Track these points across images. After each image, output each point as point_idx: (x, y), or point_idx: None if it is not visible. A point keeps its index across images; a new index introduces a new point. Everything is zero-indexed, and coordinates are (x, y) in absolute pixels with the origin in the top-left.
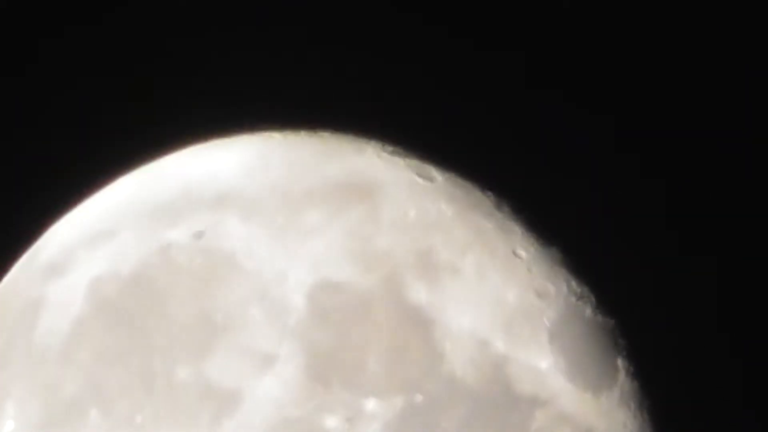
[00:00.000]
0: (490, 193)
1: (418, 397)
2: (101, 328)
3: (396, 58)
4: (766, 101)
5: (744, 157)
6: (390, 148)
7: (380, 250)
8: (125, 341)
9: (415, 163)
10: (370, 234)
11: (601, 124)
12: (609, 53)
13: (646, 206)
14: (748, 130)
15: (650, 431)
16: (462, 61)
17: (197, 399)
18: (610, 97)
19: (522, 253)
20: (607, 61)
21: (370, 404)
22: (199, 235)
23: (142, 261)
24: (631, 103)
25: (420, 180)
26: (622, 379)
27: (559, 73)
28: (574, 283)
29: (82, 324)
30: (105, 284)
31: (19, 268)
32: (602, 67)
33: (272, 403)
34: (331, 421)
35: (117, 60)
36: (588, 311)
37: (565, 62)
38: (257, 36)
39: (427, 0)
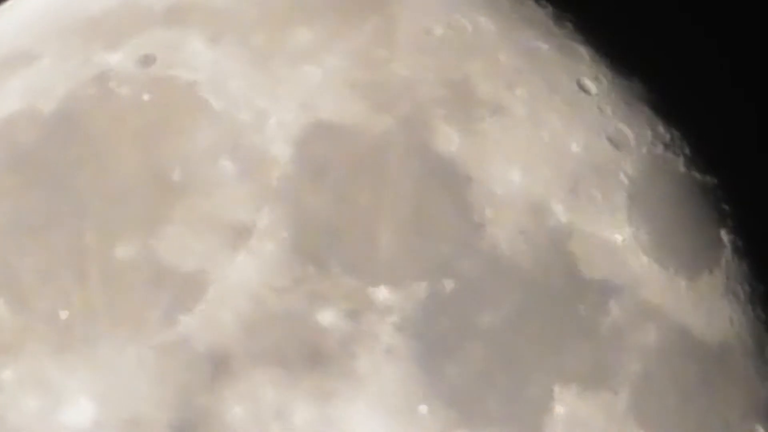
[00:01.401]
0: (547, 3)
1: (448, 284)
2: (12, 189)
3: None
4: None
5: None
6: None
7: (396, 82)
8: (45, 207)
9: None
10: (382, 59)
11: None
12: None
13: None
14: None
15: (765, 327)
16: None
17: (144, 287)
18: None
19: (590, 85)
20: None
21: (382, 293)
22: (147, 60)
23: (70, 96)
24: None
25: None
26: (728, 258)
27: None
28: (661, 127)
29: None
30: (18, 128)
31: None
32: None
33: (246, 292)
34: (327, 316)
35: None
36: (680, 165)
37: None
38: None
39: None
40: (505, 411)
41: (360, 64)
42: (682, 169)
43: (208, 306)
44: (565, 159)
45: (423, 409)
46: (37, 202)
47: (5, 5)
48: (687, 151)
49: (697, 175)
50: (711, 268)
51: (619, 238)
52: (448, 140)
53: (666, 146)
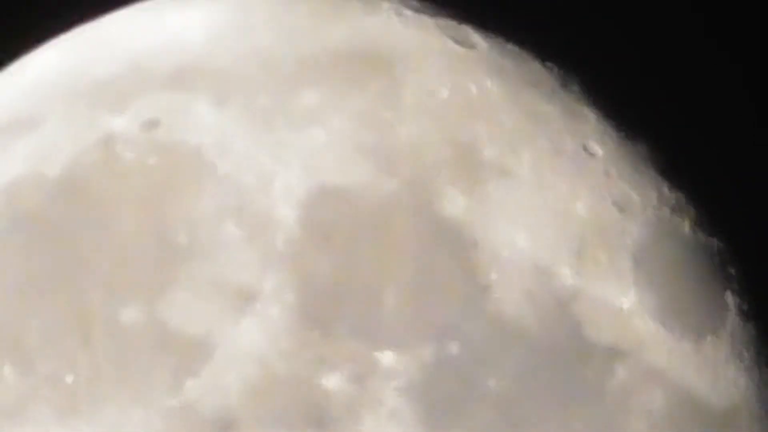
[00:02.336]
0: (553, 65)
1: (454, 347)
2: (18, 252)
3: None
4: None
5: None
6: (415, 4)
7: (401, 144)
8: (51, 270)
9: (449, 23)
10: (389, 122)
11: None
12: None
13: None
14: None
15: None
16: None
17: (150, 351)
18: None
19: (596, 148)
20: None
21: (387, 357)
22: (152, 124)
23: (75, 159)
24: None
25: (456, 47)
26: (733, 321)
27: None
28: (667, 190)
29: None
30: (24, 191)
31: None
32: None
33: (252, 356)
34: (333, 380)
35: None
36: (686, 228)
37: None
38: None
39: None
40: None
41: (365, 126)
42: (687, 231)
43: (214, 370)
44: (571, 222)
45: None
46: (42, 265)
47: (9, 69)
48: (693, 213)
49: (703, 238)
50: (716, 331)
51: (624, 301)
52: (454, 203)
53: (672, 209)
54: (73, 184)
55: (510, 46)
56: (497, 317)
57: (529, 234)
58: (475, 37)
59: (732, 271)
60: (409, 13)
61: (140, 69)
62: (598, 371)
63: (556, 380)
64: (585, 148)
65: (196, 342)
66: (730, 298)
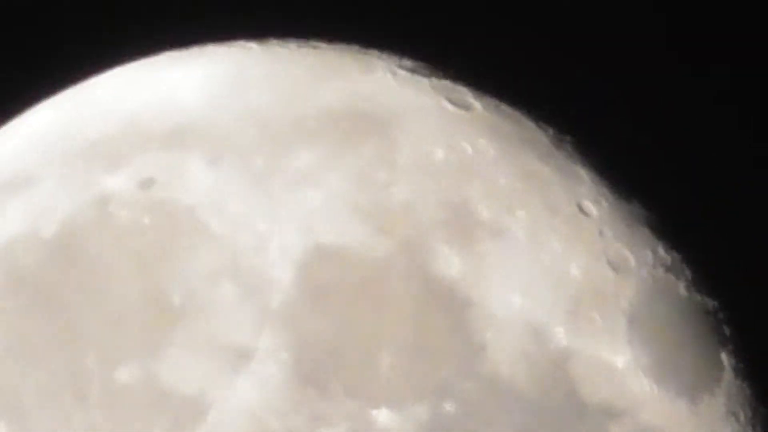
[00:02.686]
0: (547, 126)
1: (449, 406)
2: (15, 312)
3: None
4: None
5: None
6: (409, 64)
7: (396, 204)
8: (47, 329)
9: (444, 84)
10: (384, 182)
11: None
12: None
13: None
14: None
15: None
16: None
17: (145, 409)
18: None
19: (591, 207)
20: None
21: (383, 415)
22: (147, 183)
23: (70, 219)
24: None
25: (451, 107)
26: (728, 381)
27: None
28: (662, 250)
29: None
30: (20, 251)
31: None
32: None
33: (247, 415)
34: None
35: None
36: (681, 288)
37: None
38: None
39: None
40: None
41: (361, 186)
42: (682, 291)
43: (208, 429)
44: (565, 282)
45: None
46: (38, 325)
47: (5, 128)
48: (688, 273)
49: (698, 298)
50: (712, 391)
51: (619, 360)
52: (449, 263)
53: (667, 269)
54: (69, 245)
55: (504, 107)
56: (492, 377)
57: (523, 294)
58: (470, 97)
59: (727, 330)
60: (403, 73)
61: (135, 128)
62: (593, 431)
63: None
64: (580, 208)
65: (191, 401)
66: (725, 358)
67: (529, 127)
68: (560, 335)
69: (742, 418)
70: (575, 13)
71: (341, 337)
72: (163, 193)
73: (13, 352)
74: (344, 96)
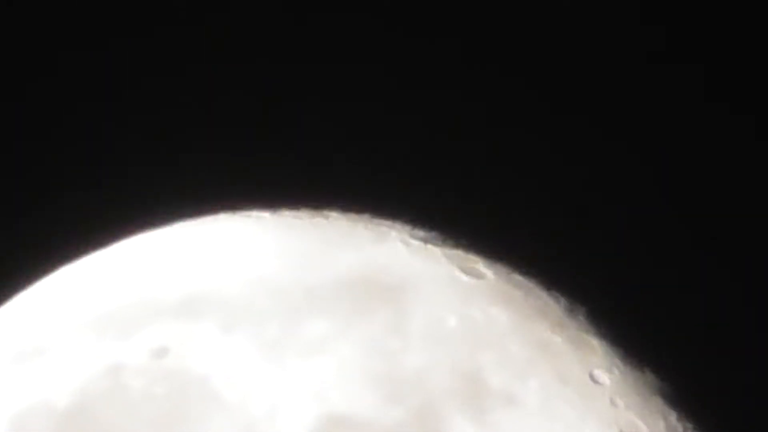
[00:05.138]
0: (559, 295)
1: None
2: None
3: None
4: None
5: None
6: (421, 234)
7: (409, 372)
8: None
9: (456, 253)
10: (396, 350)
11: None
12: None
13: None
14: None
15: None
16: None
17: None
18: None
19: (603, 377)
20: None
21: None
22: (160, 352)
23: (83, 389)
24: None
25: (463, 276)
26: None
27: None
28: (674, 419)
29: None
30: (32, 421)
31: None
32: None
33: None
34: None
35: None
36: None
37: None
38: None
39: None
40: None
41: (373, 354)
42: None
43: None
44: None
45: None
46: None
47: (16, 298)
48: None
49: None
50: None
51: None
52: (461, 431)
53: None
54: (82, 413)
55: (516, 276)
56: None
57: None
58: (482, 266)
59: None
60: (416, 242)
61: (149, 297)
62: None
63: None
64: (591, 377)
65: None
66: None
67: (540, 296)
68: None
69: None
70: (586, 179)
71: None
72: (176, 362)
73: None
74: (356, 265)
